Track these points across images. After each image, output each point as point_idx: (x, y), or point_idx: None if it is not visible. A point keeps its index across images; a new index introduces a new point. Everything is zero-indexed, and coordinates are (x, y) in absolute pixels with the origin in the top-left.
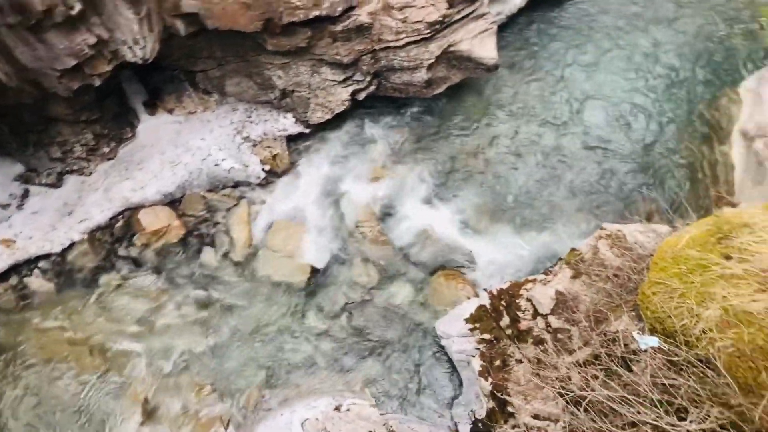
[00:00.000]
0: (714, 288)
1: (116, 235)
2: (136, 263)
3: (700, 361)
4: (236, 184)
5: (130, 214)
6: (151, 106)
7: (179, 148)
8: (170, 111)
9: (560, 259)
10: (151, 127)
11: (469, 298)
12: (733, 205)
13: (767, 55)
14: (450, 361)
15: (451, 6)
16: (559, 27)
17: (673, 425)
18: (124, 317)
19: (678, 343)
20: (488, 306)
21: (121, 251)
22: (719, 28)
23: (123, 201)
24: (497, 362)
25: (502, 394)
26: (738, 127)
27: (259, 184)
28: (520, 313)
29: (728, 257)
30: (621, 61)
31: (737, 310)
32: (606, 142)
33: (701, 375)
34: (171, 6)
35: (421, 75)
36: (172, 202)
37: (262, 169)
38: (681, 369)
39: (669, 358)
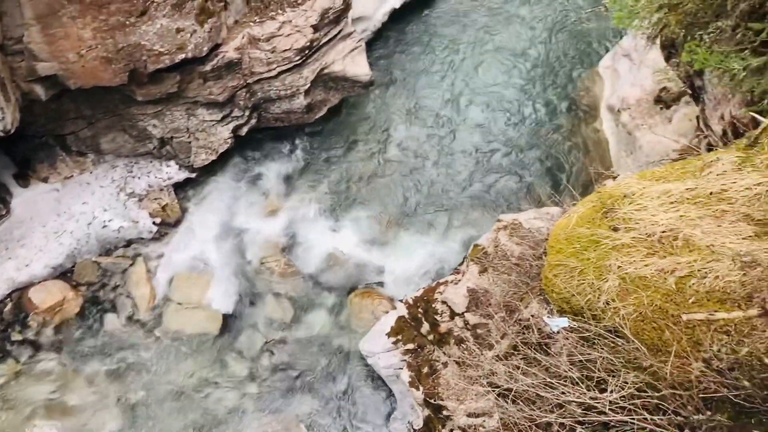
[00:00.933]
0: (609, 260)
1: (6, 320)
2: (35, 346)
3: (609, 331)
4: (129, 243)
5: (18, 294)
6: (23, 178)
7: (61, 216)
8: (45, 179)
9: (465, 257)
10: (27, 199)
11: (387, 312)
12: (613, 178)
13: (616, 33)
14: (380, 378)
15: (316, 30)
16: (426, 33)
17: (595, 399)
18: (32, 406)
19: (586, 318)
20: (407, 316)
21: (15, 336)
22: (570, 14)
23: (8, 283)
24: (425, 370)
25: (435, 400)
26: (604, 103)
27: (154, 238)
28: (438, 317)
29: (615, 229)
30: (493, 58)
31: (633, 276)
32: (492, 136)
33: (613, 345)
34: (26, 72)
35: (300, 101)
36: (64, 274)
37: (153, 223)
38: (594, 343)
39: (581, 334)
